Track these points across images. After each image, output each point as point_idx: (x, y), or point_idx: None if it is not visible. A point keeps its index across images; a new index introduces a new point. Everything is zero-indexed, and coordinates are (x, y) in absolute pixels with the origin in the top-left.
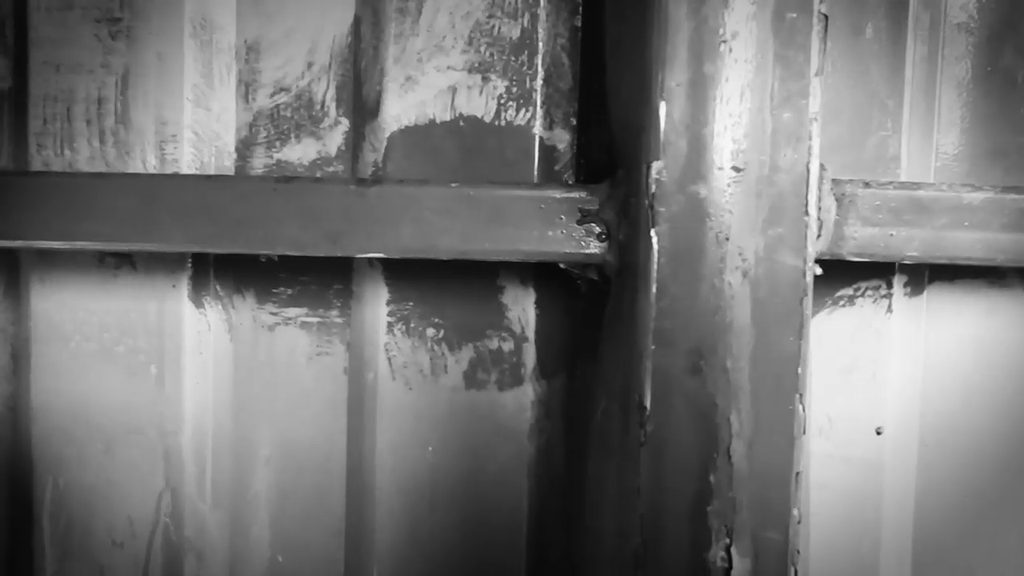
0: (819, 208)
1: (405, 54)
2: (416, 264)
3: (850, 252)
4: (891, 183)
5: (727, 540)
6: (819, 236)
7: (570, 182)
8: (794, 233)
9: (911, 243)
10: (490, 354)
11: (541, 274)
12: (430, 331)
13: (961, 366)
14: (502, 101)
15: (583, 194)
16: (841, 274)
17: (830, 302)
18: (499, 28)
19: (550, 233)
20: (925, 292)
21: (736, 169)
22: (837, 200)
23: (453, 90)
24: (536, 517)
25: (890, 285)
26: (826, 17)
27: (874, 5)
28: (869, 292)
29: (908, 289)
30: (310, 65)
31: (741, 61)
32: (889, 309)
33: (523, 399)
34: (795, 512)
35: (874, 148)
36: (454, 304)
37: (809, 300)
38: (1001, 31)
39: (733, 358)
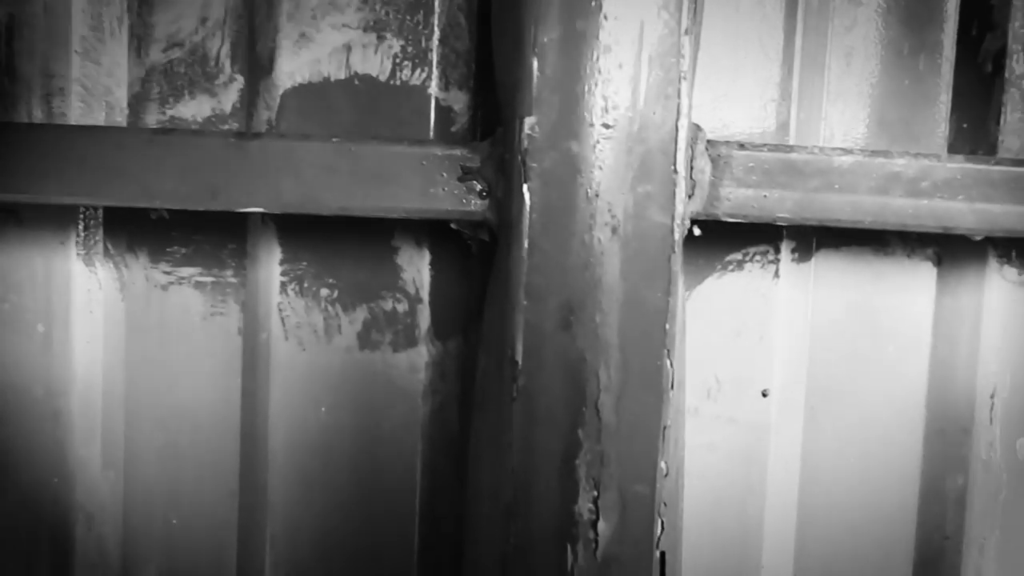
0: (691, 167)
1: (299, 11)
2: (310, 224)
3: (725, 213)
4: (765, 145)
5: (594, 493)
6: (691, 196)
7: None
8: (663, 191)
9: (783, 204)
10: (384, 315)
11: (436, 235)
12: (324, 291)
13: (848, 331)
14: (397, 60)
15: (465, 151)
16: (731, 238)
17: (719, 266)
18: None
19: (431, 190)
20: (813, 258)
21: (606, 126)
22: (712, 161)
23: (348, 48)
24: (429, 477)
25: (778, 251)
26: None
27: None
28: (757, 257)
29: (796, 255)
30: (204, 20)
31: (612, 18)
32: (776, 274)
33: (417, 360)
34: (662, 465)
35: (765, 115)
36: (348, 265)
37: (678, 257)
38: (890, 4)
39: (602, 313)
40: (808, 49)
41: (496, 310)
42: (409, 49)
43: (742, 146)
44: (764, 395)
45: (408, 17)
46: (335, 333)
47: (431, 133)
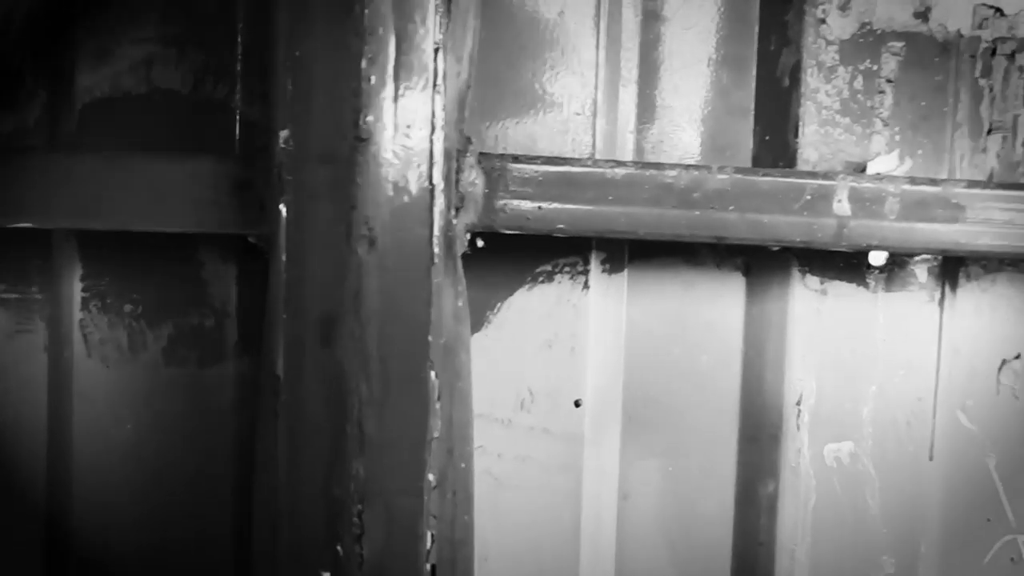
0: (456, 180)
1: (97, 25)
2: (111, 239)
3: (502, 225)
4: (539, 158)
5: (359, 506)
6: (460, 208)
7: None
8: (420, 204)
9: (560, 216)
10: (191, 330)
11: (243, 250)
12: (128, 307)
13: (662, 341)
14: (199, 75)
15: (238, 166)
16: (540, 250)
17: (530, 278)
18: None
19: (207, 205)
20: (626, 270)
21: (359, 139)
22: (485, 174)
23: (149, 63)
24: (239, 492)
25: (587, 262)
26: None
27: None
28: (567, 268)
29: (607, 266)
30: (5, 32)
31: (364, 33)
32: (586, 285)
33: (225, 376)
34: (430, 478)
35: (570, 129)
36: (153, 280)
37: (439, 268)
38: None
39: (362, 327)
40: (612, 64)
41: (265, 325)
42: (212, 63)
43: (516, 159)
44: (577, 405)
45: (209, 30)
46: (140, 349)
47: (236, 148)
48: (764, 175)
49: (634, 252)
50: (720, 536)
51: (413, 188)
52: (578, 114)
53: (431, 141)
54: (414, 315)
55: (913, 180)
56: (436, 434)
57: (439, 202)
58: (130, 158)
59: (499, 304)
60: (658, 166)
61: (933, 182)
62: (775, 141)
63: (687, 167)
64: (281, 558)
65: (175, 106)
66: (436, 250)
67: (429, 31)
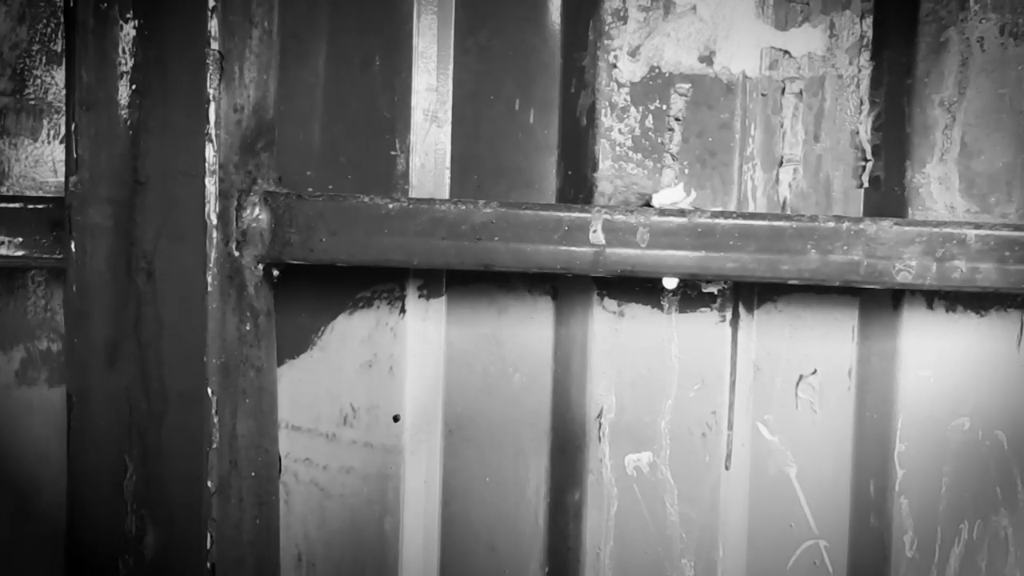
0: (236, 217)
1: None
2: None
3: (289, 256)
4: (321, 195)
5: (142, 511)
6: (243, 243)
7: None
8: (194, 240)
9: (341, 248)
10: (40, 354)
11: None
12: None
13: (479, 361)
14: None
15: (51, 206)
16: (361, 278)
17: (351, 304)
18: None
19: (23, 240)
20: (444, 295)
21: (138, 183)
22: (271, 210)
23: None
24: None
25: (403, 288)
26: (220, 54)
27: (378, 39)
28: (384, 294)
29: (424, 292)
30: None
31: (138, 90)
32: (403, 310)
33: None
34: (210, 484)
35: (386, 166)
36: (3, 308)
37: (214, 296)
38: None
39: (141, 350)
40: (403, 107)
41: (64, 348)
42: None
43: (300, 196)
44: (395, 420)
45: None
46: None
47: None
48: (526, 208)
49: (452, 279)
50: (534, 541)
51: (188, 225)
52: (394, 153)
53: (204, 184)
54: (190, 339)
55: (661, 211)
56: (215, 445)
57: (213, 237)
58: None
59: (323, 328)
60: (429, 201)
61: (681, 213)
62: (576, 176)
63: (456, 202)
64: (77, 559)
65: (22, 152)
66: (210, 280)
67: (203, 86)
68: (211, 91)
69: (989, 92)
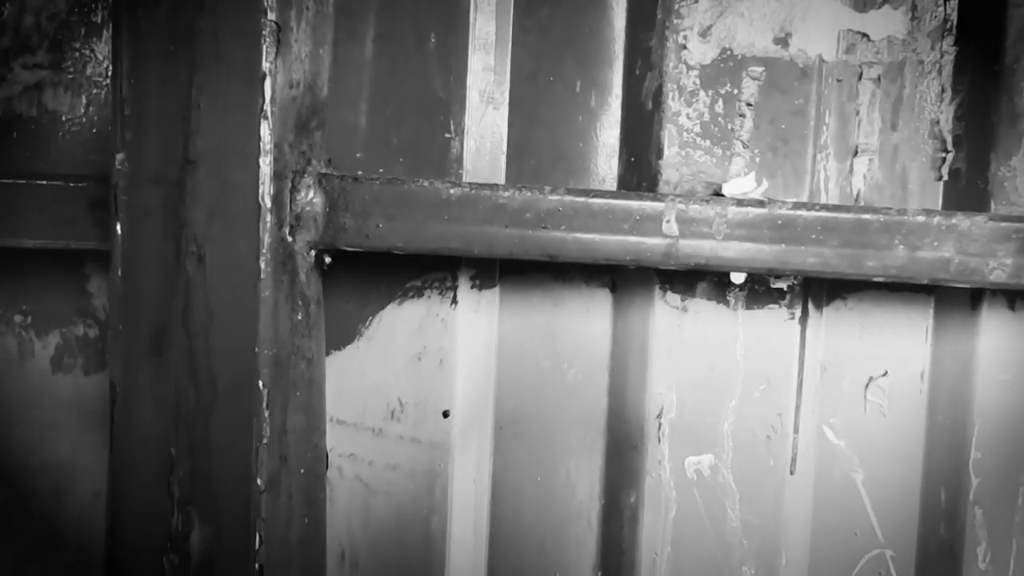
0: (291, 200)
1: None
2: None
3: (345, 243)
4: (379, 178)
5: (188, 507)
6: (297, 227)
7: None
8: (247, 223)
9: (397, 234)
10: (76, 340)
11: None
12: (18, 318)
13: (532, 354)
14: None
15: (92, 185)
16: (410, 266)
17: (400, 293)
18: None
19: (66, 222)
20: (498, 285)
21: (189, 161)
22: (326, 193)
23: (39, 87)
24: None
25: (455, 278)
26: (277, 25)
27: (433, 16)
28: (436, 284)
29: (477, 282)
30: None
31: (194, 62)
32: (454, 300)
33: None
34: (259, 482)
35: (439, 150)
36: (41, 292)
37: (267, 283)
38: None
39: (190, 339)
40: (458, 88)
41: (108, 336)
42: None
43: (356, 179)
44: (445, 416)
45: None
46: (28, 357)
47: None
48: (595, 196)
49: (505, 269)
50: (586, 544)
51: (240, 207)
52: (448, 135)
53: (258, 164)
54: (243, 329)
55: (738, 202)
56: (265, 440)
57: (267, 221)
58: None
59: (370, 318)
60: (492, 187)
61: (760, 203)
62: (639, 162)
63: (520, 188)
64: (119, 557)
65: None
66: (263, 266)
67: (258, 59)
68: (267, 65)
69: None
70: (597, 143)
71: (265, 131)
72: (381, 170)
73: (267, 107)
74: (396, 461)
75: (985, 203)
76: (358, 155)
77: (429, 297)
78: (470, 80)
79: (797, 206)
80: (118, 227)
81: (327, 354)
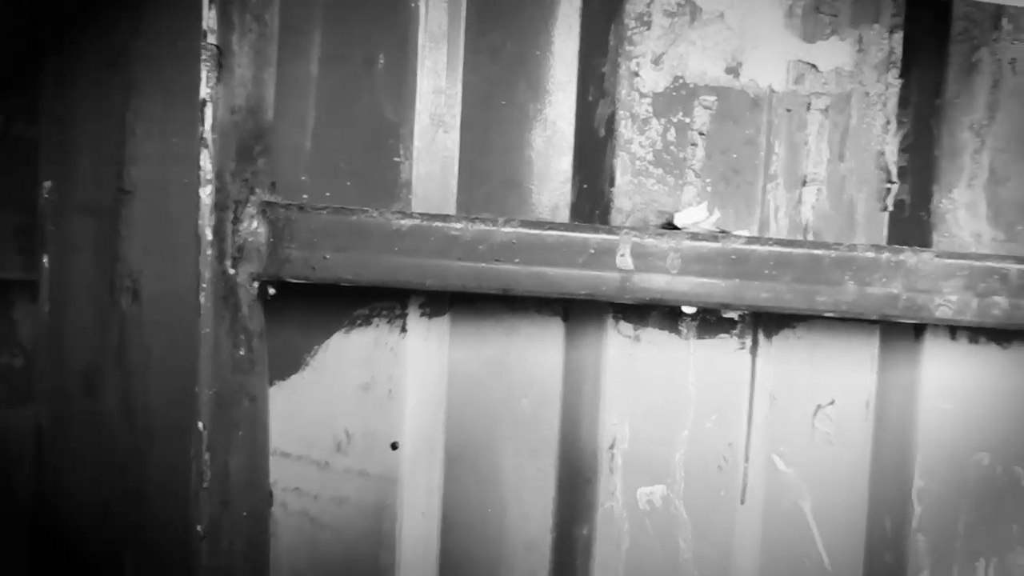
0: (233, 231)
1: None
2: None
3: (289, 275)
4: (325, 208)
5: (124, 555)
6: (239, 259)
7: None
8: (186, 256)
9: (347, 266)
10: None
11: None
12: None
13: (484, 384)
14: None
15: (17, 212)
16: (358, 295)
17: (347, 321)
18: None
19: None
20: (448, 314)
21: (123, 191)
22: (270, 223)
23: None
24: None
25: (405, 306)
26: (218, 48)
27: (382, 36)
28: (384, 312)
29: (427, 310)
30: None
31: (129, 86)
32: (404, 329)
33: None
34: (199, 528)
35: (388, 174)
36: None
37: (207, 319)
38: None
39: (125, 378)
40: (408, 110)
41: (33, 375)
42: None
43: (302, 208)
44: (394, 447)
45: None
46: None
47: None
48: (549, 228)
49: (456, 297)
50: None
51: (179, 240)
52: (398, 159)
53: (199, 195)
54: (180, 366)
55: (693, 236)
56: (205, 484)
57: (207, 254)
58: None
59: (316, 347)
60: (444, 217)
61: (714, 237)
62: (592, 190)
63: (473, 219)
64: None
65: None
66: (204, 301)
67: (198, 84)
68: (207, 90)
69: (1020, 116)
70: (550, 169)
71: (206, 160)
72: (328, 194)
73: (207, 134)
74: (344, 495)
75: (928, 235)
76: (303, 178)
77: (377, 326)
78: (420, 103)
79: (751, 240)
80: (45, 259)
81: (271, 384)
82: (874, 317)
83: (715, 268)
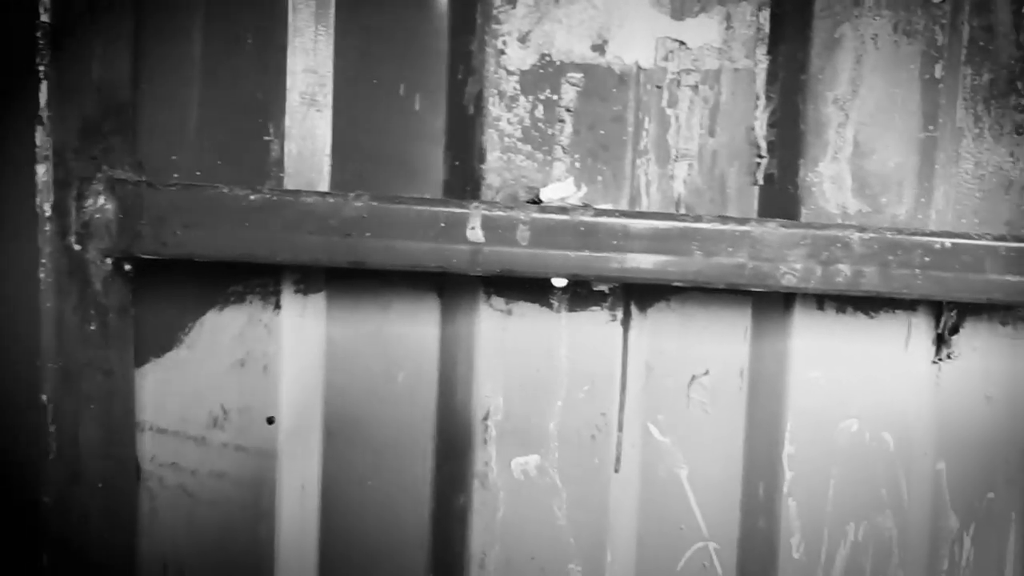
0: (77, 206)
1: None
2: None
3: (140, 251)
4: (176, 184)
5: None
6: (85, 235)
7: None
8: (25, 233)
9: (199, 241)
10: None
11: None
12: None
13: (361, 359)
14: None
15: None
16: (232, 271)
17: (221, 299)
18: None
19: None
20: (324, 290)
21: None
22: (120, 200)
23: None
24: None
25: (278, 283)
26: (51, 26)
27: (250, 14)
28: (258, 289)
29: (302, 287)
30: None
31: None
32: (277, 306)
33: None
34: (46, 500)
35: (258, 152)
36: None
37: (50, 293)
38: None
39: None
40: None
41: None
42: None
43: (151, 185)
44: (270, 422)
45: None
46: None
47: None
48: (399, 203)
49: (332, 275)
50: (419, 547)
51: (18, 217)
52: (268, 138)
53: (34, 171)
54: (22, 341)
55: (543, 208)
56: (51, 456)
57: (46, 229)
58: None
59: (191, 324)
60: (295, 193)
61: (563, 210)
62: (464, 167)
63: (324, 194)
64: None
65: None
66: (43, 276)
67: (33, 62)
68: (42, 68)
69: (882, 91)
70: (423, 147)
71: (41, 136)
72: (199, 173)
73: (43, 112)
74: (221, 469)
75: (796, 207)
76: (174, 157)
77: (251, 303)
78: (290, 81)
79: (599, 212)
80: None
81: (146, 361)
82: (721, 286)
83: (565, 240)
